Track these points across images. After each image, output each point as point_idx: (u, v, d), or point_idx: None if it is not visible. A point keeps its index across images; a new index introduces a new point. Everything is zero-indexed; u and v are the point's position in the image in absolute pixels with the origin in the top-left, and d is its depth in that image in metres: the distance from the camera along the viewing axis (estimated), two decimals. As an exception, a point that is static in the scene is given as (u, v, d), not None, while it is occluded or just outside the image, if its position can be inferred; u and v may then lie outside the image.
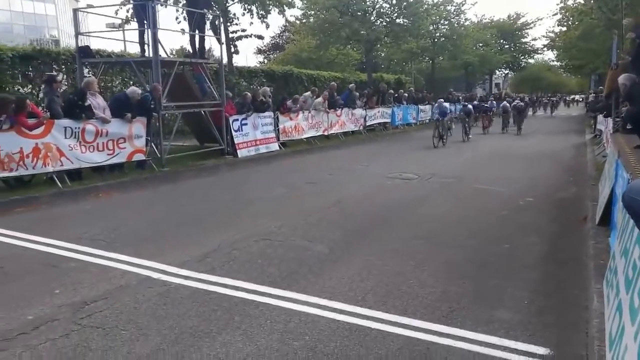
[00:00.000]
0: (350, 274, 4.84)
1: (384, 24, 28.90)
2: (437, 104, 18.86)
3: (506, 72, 61.32)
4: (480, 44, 44.94)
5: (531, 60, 59.50)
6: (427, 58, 41.03)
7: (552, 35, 41.03)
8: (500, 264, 5.20)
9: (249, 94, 14.17)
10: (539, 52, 54.62)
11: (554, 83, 74.45)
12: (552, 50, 47.99)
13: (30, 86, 12.82)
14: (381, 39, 29.32)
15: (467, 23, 41.44)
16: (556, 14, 31.05)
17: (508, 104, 23.37)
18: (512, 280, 4.72)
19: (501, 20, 51.83)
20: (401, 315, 3.92)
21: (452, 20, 38.42)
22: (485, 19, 50.78)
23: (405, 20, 29.27)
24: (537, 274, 4.93)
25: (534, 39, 56.35)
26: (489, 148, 16.30)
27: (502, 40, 51.89)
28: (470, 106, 21.33)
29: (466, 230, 6.47)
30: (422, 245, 5.81)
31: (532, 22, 51.53)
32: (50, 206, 7.74)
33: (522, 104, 23.69)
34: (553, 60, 56.05)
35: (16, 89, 12.28)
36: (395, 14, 29.22)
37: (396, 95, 23.65)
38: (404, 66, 41.50)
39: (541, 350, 3.43)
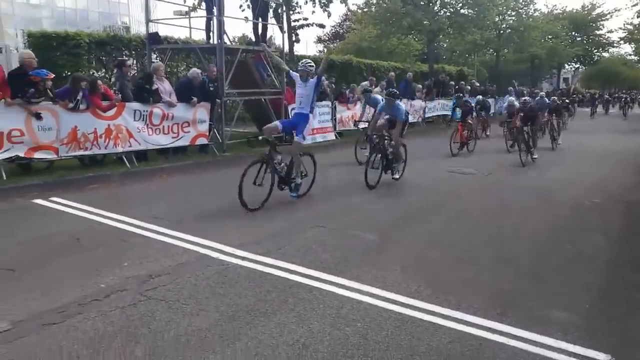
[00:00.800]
0: (403, 265, 4.86)
1: (448, 14, 28.15)
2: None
3: (576, 66, 58.12)
4: (550, 36, 42.83)
5: (605, 54, 56.05)
6: (491, 50, 39.61)
7: (630, 27, 38.52)
8: (561, 264, 5.04)
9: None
10: (615, 45, 51.34)
11: (630, 78, 69.87)
12: (629, 44, 45.07)
13: (104, 70, 13.54)
14: (444, 29, 28.57)
15: (536, 14, 39.60)
16: (636, 4, 29.04)
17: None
18: (573, 282, 4.58)
19: (574, 10, 49.10)
20: (454, 309, 3.91)
21: (520, 11, 36.80)
22: (557, 9, 48.31)
23: (470, 11, 28.35)
24: (600, 277, 4.75)
25: (610, 31, 52.78)
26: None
27: (573, 33, 49.17)
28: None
29: (526, 228, 6.30)
30: (479, 241, 5.72)
31: (609, 13, 48.40)
32: (120, 184, 8.20)
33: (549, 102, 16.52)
34: (630, 54, 52.58)
35: (91, 72, 12.99)
36: (460, 4, 28.37)
37: (457, 87, 23.07)
38: (466, 58, 40.31)
39: (601, 356, 3.32)
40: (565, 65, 55.36)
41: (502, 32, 36.38)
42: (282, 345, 3.33)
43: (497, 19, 34.01)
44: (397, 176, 8.82)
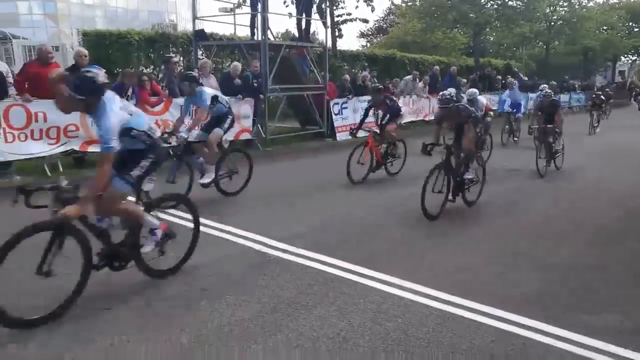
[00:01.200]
0: (447, 261, 4.81)
1: (495, 6, 27.38)
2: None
3: (633, 58, 55.24)
4: (605, 27, 40.89)
5: (667, 46, 52.97)
6: (540, 43, 38.22)
7: (694, 16, 36.18)
8: (613, 266, 4.84)
9: (347, 76, 14.25)
10: (677, 36, 48.49)
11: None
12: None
13: (152, 66, 13.96)
14: (491, 22, 27.82)
15: (590, 4, 37.89)
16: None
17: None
18: (625, 284, 4.40)
19: (632, 0, 46.66)
20: (497, 307, 3.83)
21: (572, 1, 35.32)
22: (613, -1, 46.06)
23: (518, 3, 27.48)
24: (655, 280, 4.53)
25: (672, 22, 49.81)
26: (599, 142, 14.92)
27: (631, 23, 46.73)
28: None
29: (575, 228, 6.08)
30: (526, 239, 5.58)
31: (671, 3, 45.79)
32: (166, 177, 8.42)
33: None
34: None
35: (140, 69, 13.43)
36: (508, -4, 27.56)
37: (504, 81, 22.42)
38: (514, 51, 39.07)
39: (655, 361, 3.18)
40: (622, 57, 52.69)
41: (552, 23, 35.01)
42: (323, 338, 3.37)
43: (547, 11, 32.77)
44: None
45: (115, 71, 11.93)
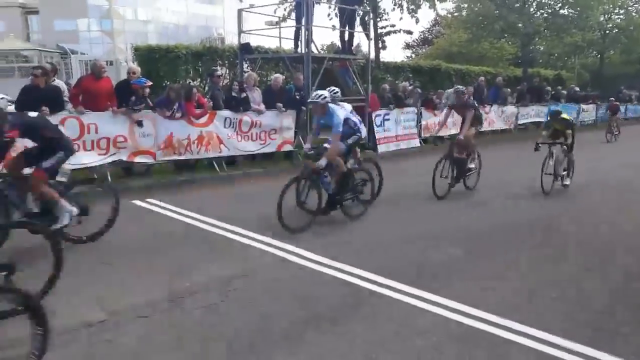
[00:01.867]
0: (485, 279, 4.68)
1: (545, 15, 26.59)
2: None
3: (696, 66, 52.19)
4: (665, 35, 38.96)
5: None
6: (594, 52, 36.79)
7: None
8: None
9: (387, 86, 14.19)
10: None
11: None
12: None
13: (199, 80, 14.39)
14: (540, 31, 27.02)
15: (648, 11, 36.22)
16: None
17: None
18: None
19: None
20: (537, 328, 3.68)
21: (629, 8, 33.85)
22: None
23: (570, 11, 26.58)
24: None
25: None
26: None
27: (693, 30, 44.33)
28: None
29: (626, 245, 5.78)
30: (571, 256, 5.35)
31: None
32: (210, 188, 8.64)
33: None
34: None
35: (187, 81, 13.87)
36: (559, 4, 26.68)
37: (554, 92, 21.71)
38: (565, 61, 37.76)
39: None
40: (683, 66, 49.89)
41: (607, 32, 33.65)
42: (353, 353, 3.34)
43: (601, 19, 31.55)
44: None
45: (164, 84, 12.40)
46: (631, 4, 33.66)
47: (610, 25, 33.61)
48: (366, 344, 3.45)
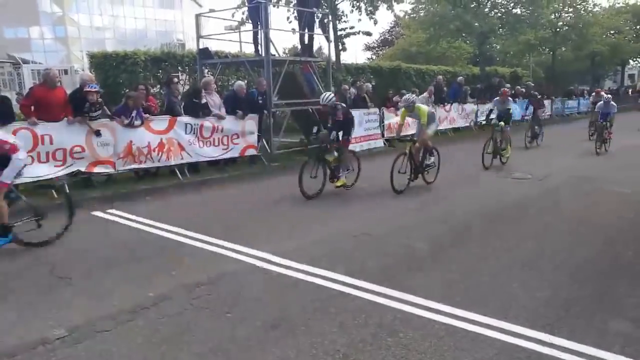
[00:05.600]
0: (449, 273, 4.75)
1: (499, 14, 27.38)
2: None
3: (642, 61, 54.74)
4: (612, 32, 40.66)
5: (675, 47, 52.44)
6: (547, 49, 38.09)
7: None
8: (620, 271, 4.76)
9: (346, 86, 14.31)
10: (686, 36, 48.04)
11: None
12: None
13: (159, 86, 14.13)
14: (495, 30, 27.79)
15: (595, 9, 37.77)
16: None
17: None
18: (633, 290, 4.30)
19: (639, 3, 46.39)
20: (501, 319, 3.77)
21: (577, 6, 35.22)
22: (619, 3, 45.79)
23: (522, 10, 27.46)
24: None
25: (680, 22, 49.33)
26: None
27: (638, 27, 46.44)
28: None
29: (581, 233, 6.00)
30: (532, 247, 5.51)
31: (678, 4, 45.41)
32: (172, 196, 8.48)
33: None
34: None
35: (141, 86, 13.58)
36: (512, 4, 27.53)
37: (513, 91, 22.38)
38: (521, 59, 38.93)
39: (662, 371, 3.10)
40: (630, 61, 52.30)
41: (558, 30, 34.91)
42: (322, 354, 3.33)
43: (552, 17, 32.70)
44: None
45: (123, 91, 12.11)
46: (579, 1, 35.06)
47: (561, 23, 34.89)
48: (335, 344, 3.45)
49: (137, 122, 8.70)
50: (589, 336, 3.51)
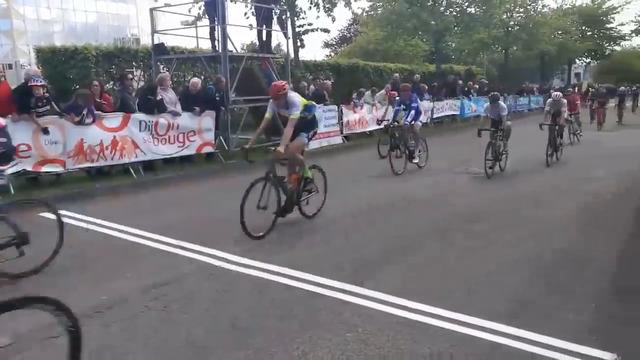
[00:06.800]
0: (410, 269, 4.82)
1: (454, 13, 28.04)
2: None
3: (587, 61, 57.40)
4: (559, 32, 42.38)
5: (617, 48, 55.27)
6: (499, 48, 39.33)
7: (641, 19, 37.86)
8: (571, 263, 4.95)
9: (305, 83, 14.33)
10: (627, 38, 50.70)
11: (645, 72, 68.81)
12: (641, 36, 44.44)
13: (112, 82, 13.68)
14: (450, 29, 28.47)
15: (544, 10, 39.27)
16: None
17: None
18: (583, 281, 4.49)
19: (584, 5, 48.54)
20: (460, 312, 3.84)
21: (528, 7, 36.52)
22: (566, 4, 47.78)
23: (476, 9, 28.24)
24: (610, 275, 4.64)
25: (621, 24, 51.85)
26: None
27: (584, 27, 48.60)
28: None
29: (536, 227, 6.20)
30: (488, 241, 5.64)
31: (619, 6, 47.73)
32: (126, 195, 8.25)
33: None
34: (643, 47, 51.78)
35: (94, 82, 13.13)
36: (467, 3, 28.28)
37: (466, 88, 22.96)
38: (475, 57, 40.05)
39: (607, 356, 3.24)
40: (576, 60, 54.65)
41: (510, 29, 36.09)
42: (282, 353, 3.30)
43: (504, 17, 33.76)
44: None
45: (73, 88, 11.66)
46: (529, 2, 36.35)
47: (512, 22, 36.07)
48: (294, 342, 3.43)
49: (89, 120, 8.40)
50: (542, 325, 3.63)
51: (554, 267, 4.87)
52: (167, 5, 18.04)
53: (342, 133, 14.49)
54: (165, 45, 13.24)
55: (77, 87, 11.62)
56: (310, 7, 18.88)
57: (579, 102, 15.87)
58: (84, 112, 8.34)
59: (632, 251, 5.35)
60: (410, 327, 3.63)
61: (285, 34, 14.25)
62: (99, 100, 8.99)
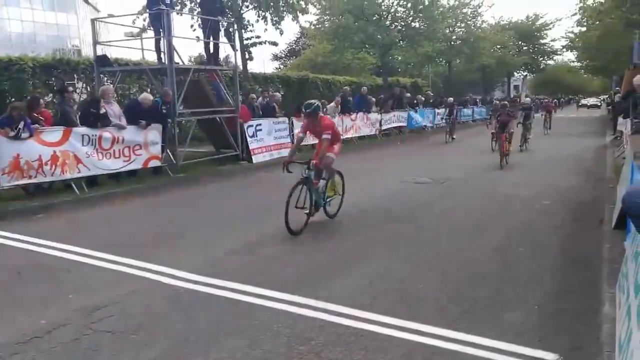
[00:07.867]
0: (359, 279, 4.84)
1: (399, 27, 28.85)
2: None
3: (524, 74, 60.57)
4: (498, 46, 44.51)
5: (551, 62, 58.69)
6: (443, 61, 40.80)
7: (571, 35, 40.38)
8: (512, 267, 5.14)
9: (254, 95, 14.34)
10: (559, 53, 53.90)
11: (575, 85, 73.28)
12: (571, 51, 47.33)
13: (51, 95, 13.11)
14: (396, 42, 29.25)
15: (484, 25, 41.15)
16: (575, 14, 30.50)
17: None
18: (524, 284, 4.67)
19: (519, 21, 51.26)
20: (409, 320, 3.90)
21: (468, 22, 38.16)
22: (503, 20, 50.30)
23: (420, 24, 29.17)
24: (551, 278, 4.85)
25: (553, 40, 55.12)
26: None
27: (520, 42, 51.32)
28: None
29: (479, 234, 6.41)
30: (435, 250, 5.77)
31: (551, 23, 50.76)
32: (68, 212, 7.88)
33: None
34: (573, 61, 55.19)
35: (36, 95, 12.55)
36: (411, 18, 29.16)
37: (415, 100, 23.61)
38: (421, 70, 41.33)
39: (550, 356, 3.38)
40: (515, 73, 57.55)
41: (452, 43, 37.55)
42: (234, 370, 3.24)
43: (447, 31, 35.12)
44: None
45: (8, 101, 11.08)
46: (469, 18, 38.02)
47: (455, 37, 37.58)
48: (248, 357, 3.37)
49: (25, 134, 7.99)
50: (487, 329, 3.74)
51: (496, 269, 5.04)
52: (110, 16, 17.60)
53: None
54: (109, 56, 12.84)
55: (12, 100, 11.07)
56: (257, 20, 18.87)
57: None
58: (20, 126, 7.93)
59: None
60: (364, 338, 3.65)
61: (233, 47, 14.15)
62: (36, 115, 8.57)
